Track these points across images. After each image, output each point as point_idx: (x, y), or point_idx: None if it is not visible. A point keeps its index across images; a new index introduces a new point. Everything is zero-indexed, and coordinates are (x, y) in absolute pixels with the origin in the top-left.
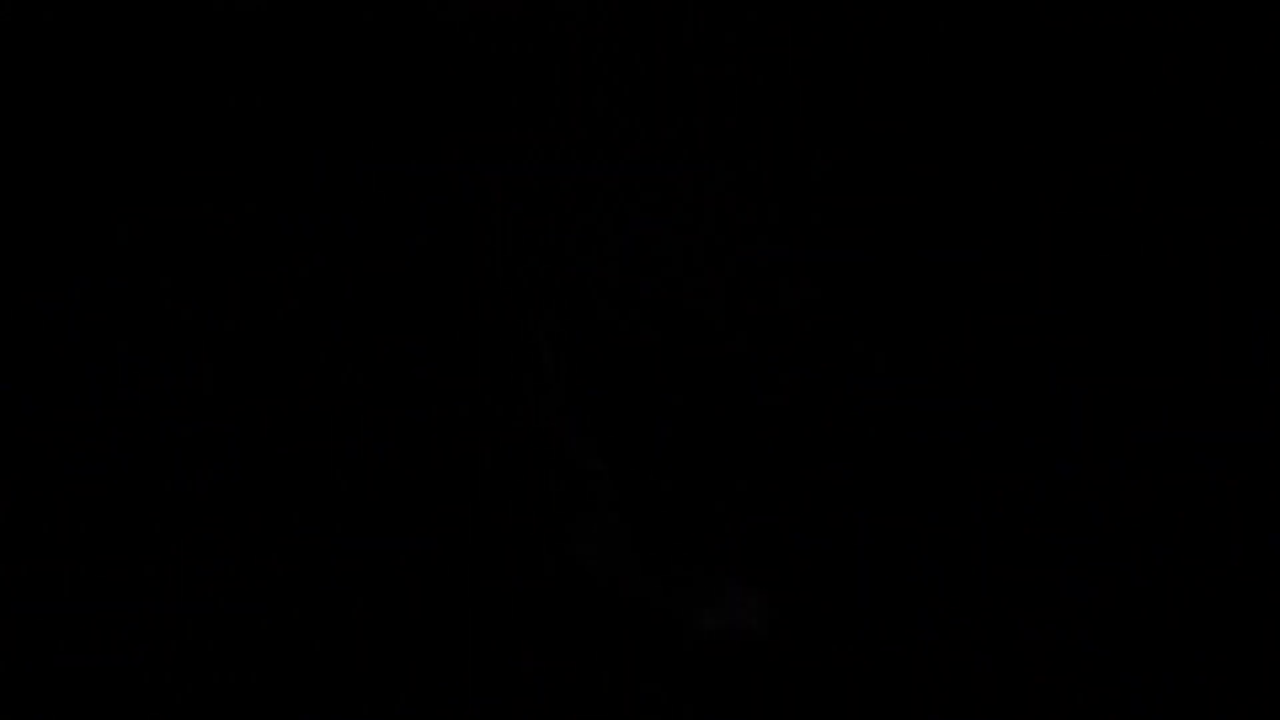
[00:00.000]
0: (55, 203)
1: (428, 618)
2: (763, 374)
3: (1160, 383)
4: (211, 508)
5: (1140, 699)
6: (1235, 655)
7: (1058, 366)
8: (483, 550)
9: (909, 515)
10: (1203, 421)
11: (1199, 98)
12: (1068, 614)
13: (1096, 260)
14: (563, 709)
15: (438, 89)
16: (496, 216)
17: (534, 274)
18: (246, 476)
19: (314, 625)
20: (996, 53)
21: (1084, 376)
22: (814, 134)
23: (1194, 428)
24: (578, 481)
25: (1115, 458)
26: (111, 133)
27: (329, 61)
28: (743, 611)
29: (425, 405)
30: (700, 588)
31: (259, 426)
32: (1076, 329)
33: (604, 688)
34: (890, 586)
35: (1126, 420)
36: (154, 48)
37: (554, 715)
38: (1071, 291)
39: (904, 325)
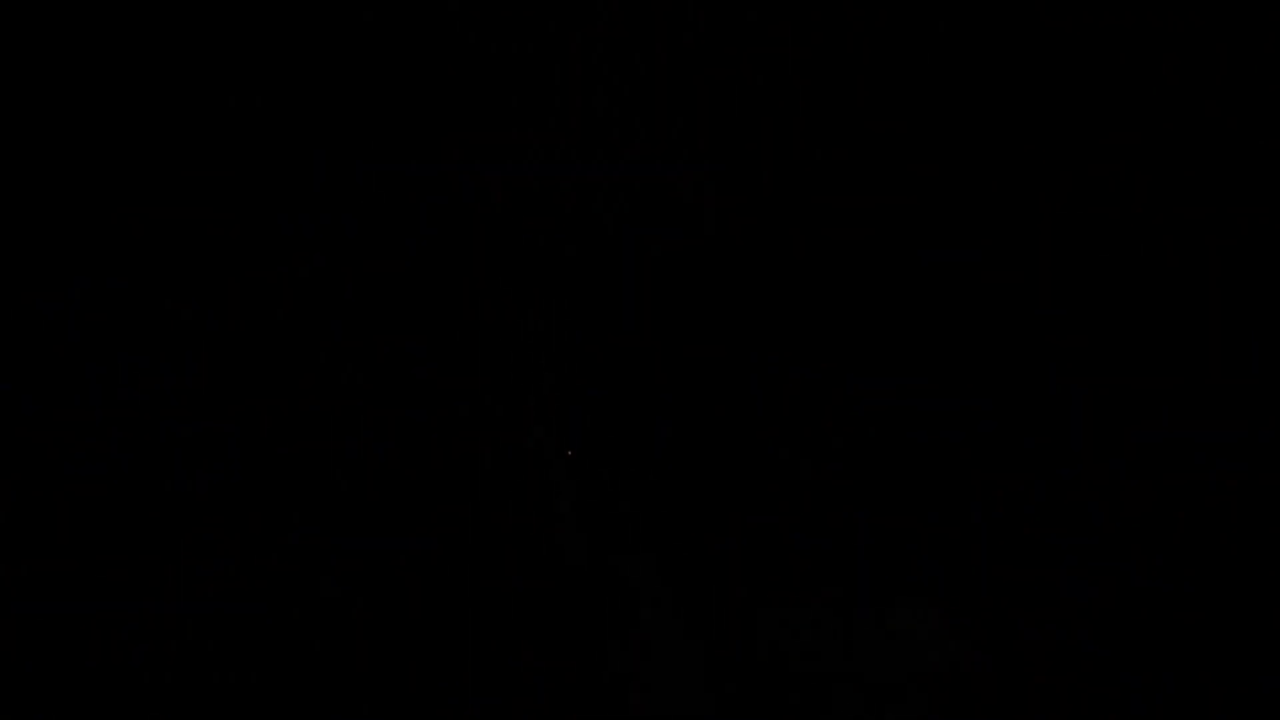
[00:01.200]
0: (55, 203)
1: (428, 618)
2: (762, 374)
3: (1160, 383)
4: (211, 508)
5: (1140, 699)
6: (1235, 655)
7: (1058, 366)
8: (483, 550)
9: (908, 516)
10: (1202, 421)
11: (1199, 98)
12: (1068, 614)
13: (1096, 260)
14: (562, 709)
15: (438, 89)
16: (496, 216)
17: (534, 274)
18: (246, 476)
19: (314, 625)
20: (996, 53)
21: (1084, 376)
22: (814, 134)
23: (1194, 428)
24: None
25: (1115, 458)
26: (111, 133)
27: (329, 61)
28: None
29: (425, 405)
30: None
31: (259, 426)
32: (1076, 329)
33: (603, 686)
34: (890, 587)
35: (1126, 420)
36: (154, 48)
37: (554, 715)
38: (1071, 291)
39: (904, 325)
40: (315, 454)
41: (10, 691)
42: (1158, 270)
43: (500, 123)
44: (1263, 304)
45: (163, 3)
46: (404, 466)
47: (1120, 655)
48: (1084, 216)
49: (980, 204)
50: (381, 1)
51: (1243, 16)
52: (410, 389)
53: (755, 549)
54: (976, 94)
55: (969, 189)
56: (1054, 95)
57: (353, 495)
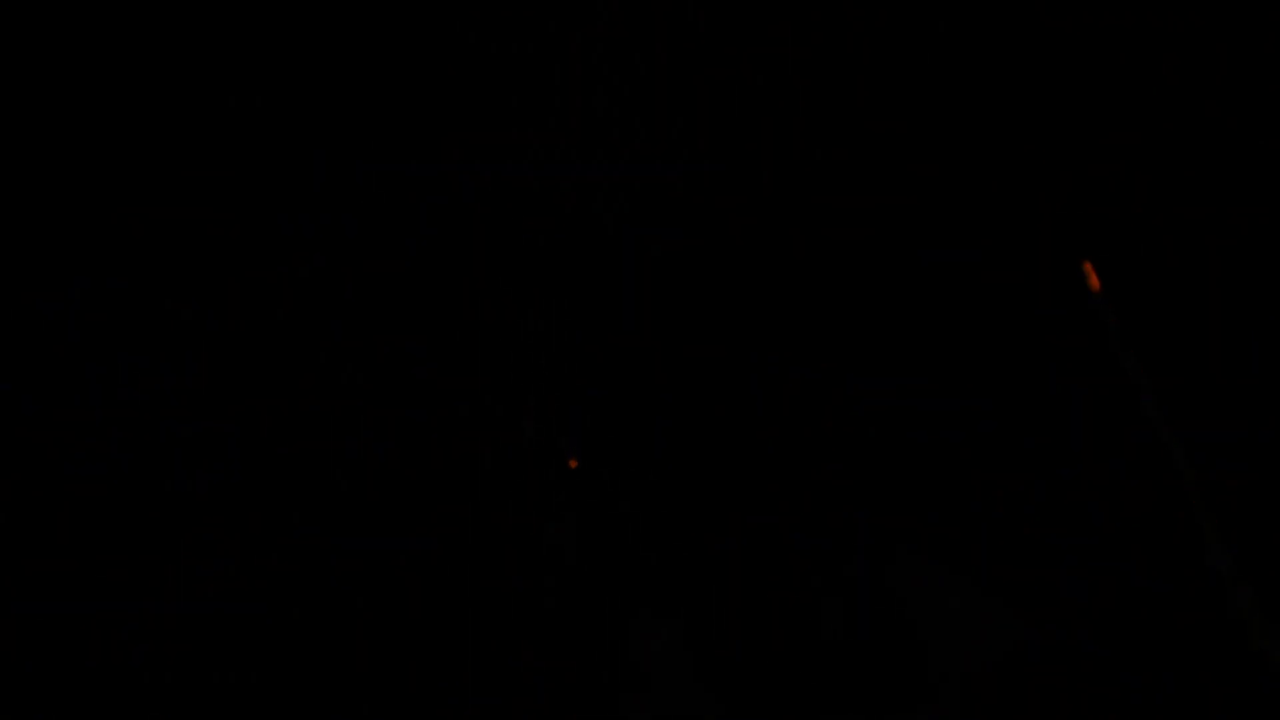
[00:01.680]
0: (55, 203)
1: (428, 618)
2: (762, 374)
3: (1160, 383)
4: (211, 508)
5: (1140, 699)
6: (1235, 655)
7: (1058, 366)
8: (483, 550)
9: (908, 515)
10: (1203, 421)
11: (1199, 98)
12: (1068, 614)
13: (1096, 260)
14: (563, 709)
15: (438, 89)
16: (496, 216)
17: (534, 274)
18: (246, 476)
19: (314, 625)
20: (997, 53)
21: (1084, 376)
22: (814, 134)
23: (1194, 428)
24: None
25: (1115, 458)
26: (111, 133)
27: (329, 61)
28: None
29: (425, 405)
30: None
31: (259, 426)
32: (1076, 329)
33: (603, 686)
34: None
35: (1126, 420)
36: (154, 48)
37: (554, 715)
38: (1071, 291)
39: (904, 325)
40: (315, 454)
41: (10, 691)
42: (1158, 270)
43: (500, 123)
44: (1263, 304)
45: (162, 3)
46: (404, 466)
47: (1120, 655)
48: (1084, 216)
49: (980, 204)
50: (382, 1)
51: (1243, 16)
52: (410, 389)
53: (755, 549)
54: (976, 94)
55: (969, 189)
56: (1054, 95)
57: (353, 495)
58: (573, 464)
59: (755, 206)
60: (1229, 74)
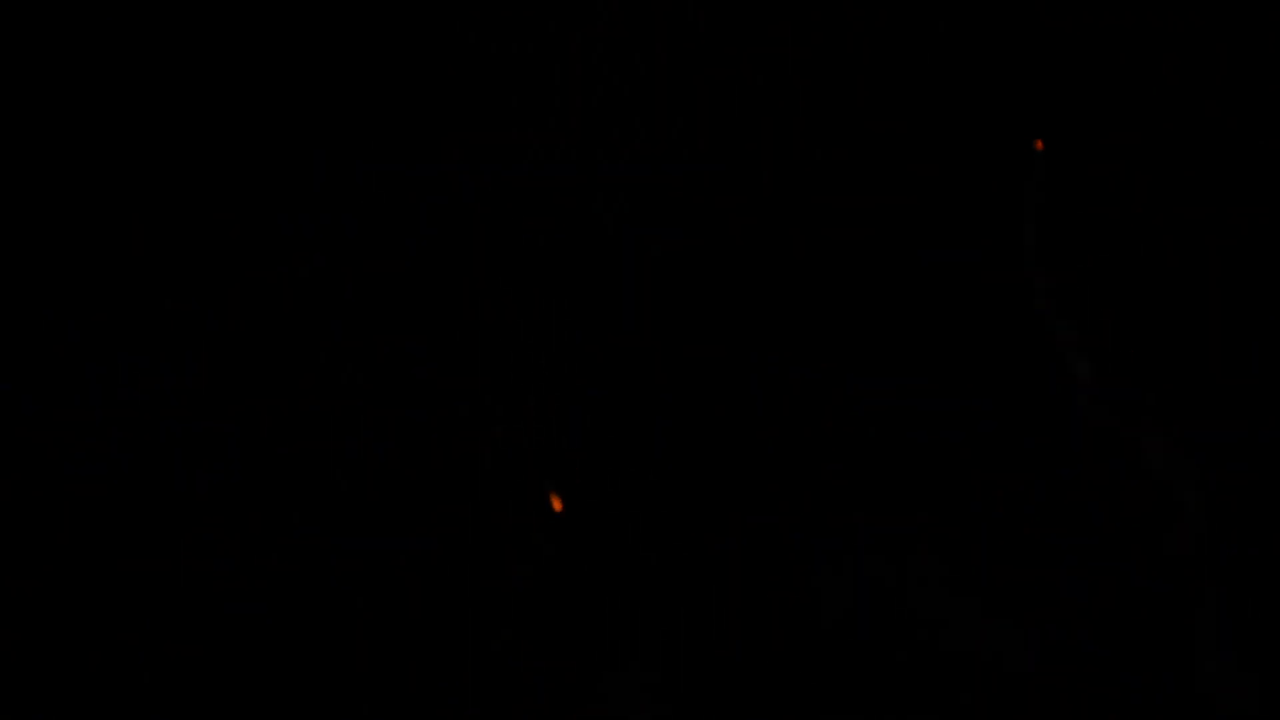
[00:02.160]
0: (56, 203)
1: (428, 618)
2: (762, 374)
3: (1161, 383)
4: (211, 508)
5: (1140, 699)
6: (1233, 655)
7: (1058, 366)
8: (483, 550)
9: (908, 515)
10: (1202, 422)
11: (1199, 98)
12: (1068, 614)
13: (1096, 260)
14: (562, 709)
15: (438, 89)
16: (496, 216)
17: (534, 274)
18: (246, 476)
19: (314, 625)
20: (997, 53)
21: (1082, 376)
22: (814, 134)
23: (1194, 428)
24: None
25: (1115, 458)
26: (111, 132)
27: (329, 61)
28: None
29: (425, 405)
30: None
31: (259, 426)
32: (1076, 329)
33: (602, 686)
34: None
35: (1127, 420)
36: (154, 47)
37: (554, 715)
38: (1071, 291)
39: (904, 325)
40: (315, 454)
41: (10, 691)
42: (1157, 270)
43: (500, 123)
44: (1263, 304)
45: (163, 3)
46: (404, 466)
47: (1120, 655)
48: (1084, 216)
49: (980, 204)
50: (382, 1)
51: (1243, 16)
52: (410, 389)
53: (755, 549)
54: (976, 94)
55: (969, 189)
56: (1054, 95)
57: (353, 495)
58: (557, 505)
59: (755, 206)
60: (1229, 74)
